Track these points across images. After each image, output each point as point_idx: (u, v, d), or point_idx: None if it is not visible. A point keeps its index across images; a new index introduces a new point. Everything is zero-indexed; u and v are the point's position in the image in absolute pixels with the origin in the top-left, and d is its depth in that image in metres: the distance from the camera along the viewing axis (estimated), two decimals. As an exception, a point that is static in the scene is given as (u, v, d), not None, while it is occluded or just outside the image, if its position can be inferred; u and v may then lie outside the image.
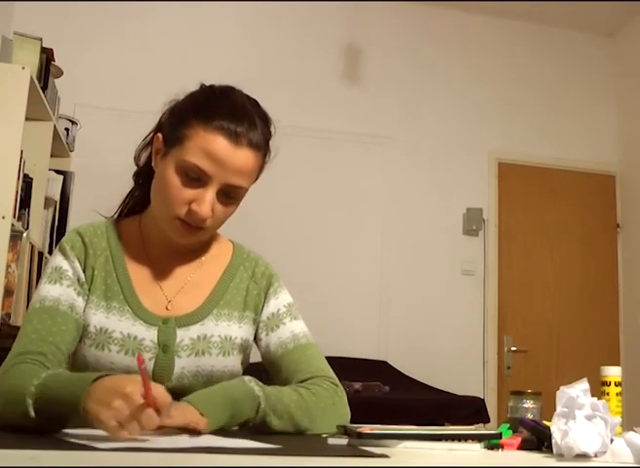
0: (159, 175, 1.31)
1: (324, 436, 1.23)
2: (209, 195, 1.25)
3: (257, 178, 1.35)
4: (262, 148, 1.31)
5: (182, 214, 1.27)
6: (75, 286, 1.31)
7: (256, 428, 1.22)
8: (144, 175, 1.40)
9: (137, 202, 1.44)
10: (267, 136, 1.33)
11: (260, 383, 1.26)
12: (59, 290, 1.30)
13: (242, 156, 1.26)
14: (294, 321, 1.42)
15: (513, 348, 4.81)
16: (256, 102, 1.35)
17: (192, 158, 1.25)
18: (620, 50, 5.18)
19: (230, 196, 1.29)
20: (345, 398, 1.36)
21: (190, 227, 1.28)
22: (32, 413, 1.08)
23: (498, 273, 4.88)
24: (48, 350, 1.23)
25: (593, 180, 5.09)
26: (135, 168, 1.44)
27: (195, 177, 1.25)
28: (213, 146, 1.24)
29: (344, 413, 1.34)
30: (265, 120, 1.34)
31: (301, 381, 1.34)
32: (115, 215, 1.45)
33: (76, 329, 1.29)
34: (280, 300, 1.43)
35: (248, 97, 1.35)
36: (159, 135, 1.33)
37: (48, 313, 1.27)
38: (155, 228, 1.36)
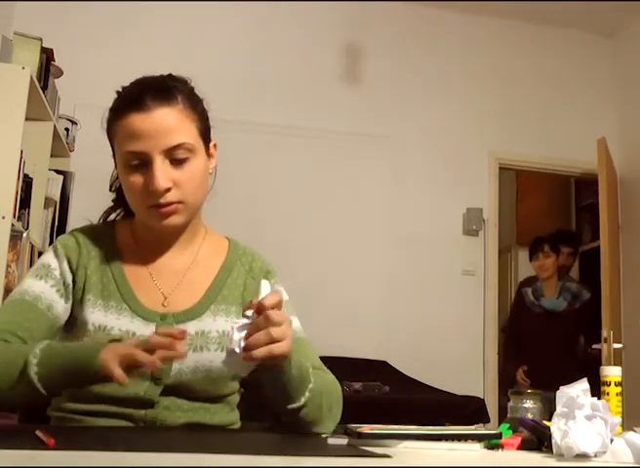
0: (121, 182, 1.34)
1: (324, 436, 1.23)
2: (154, 169, 1.26)
3: (203, 129, 1.34)
4: (175, 99, 1.29)
5: (149, 201, 1.28)
6: (59, 287, 1.32)
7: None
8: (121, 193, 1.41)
9: (126, 212, 1.45)
10: (176, 84, 1.32)
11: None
12: (42, 286, 1.31)
13: (158, 117, 1.26)
14: (290, 316, 1.41)
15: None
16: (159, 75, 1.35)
17: (123, 148, 1.28)
18: (621, 50, 5.18)
19: (179, 158, 1.28)
20: None
21: (164, 207, 1.28)
22: (34, 370, 1.13)
23: (498, 273, 4.87)
24: (17, 343, 1.24)
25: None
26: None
27: (138, 163, 1.27)
28: (128, 126, 1.26)
29: (339, 412, 1.33)
30: (168, 77, 1.34)
31: None
32: (101, 220, 1.47)
33: (48, 328, 1.29)
34: None
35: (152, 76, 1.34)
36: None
37: (26, 307, 1.28)
38: (145, 228, 1.38)
